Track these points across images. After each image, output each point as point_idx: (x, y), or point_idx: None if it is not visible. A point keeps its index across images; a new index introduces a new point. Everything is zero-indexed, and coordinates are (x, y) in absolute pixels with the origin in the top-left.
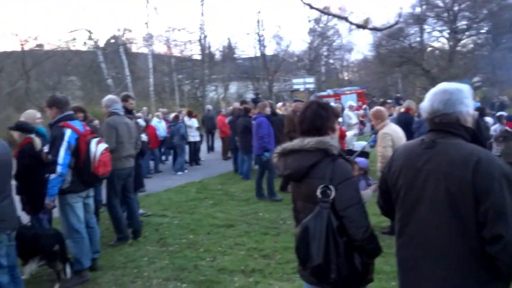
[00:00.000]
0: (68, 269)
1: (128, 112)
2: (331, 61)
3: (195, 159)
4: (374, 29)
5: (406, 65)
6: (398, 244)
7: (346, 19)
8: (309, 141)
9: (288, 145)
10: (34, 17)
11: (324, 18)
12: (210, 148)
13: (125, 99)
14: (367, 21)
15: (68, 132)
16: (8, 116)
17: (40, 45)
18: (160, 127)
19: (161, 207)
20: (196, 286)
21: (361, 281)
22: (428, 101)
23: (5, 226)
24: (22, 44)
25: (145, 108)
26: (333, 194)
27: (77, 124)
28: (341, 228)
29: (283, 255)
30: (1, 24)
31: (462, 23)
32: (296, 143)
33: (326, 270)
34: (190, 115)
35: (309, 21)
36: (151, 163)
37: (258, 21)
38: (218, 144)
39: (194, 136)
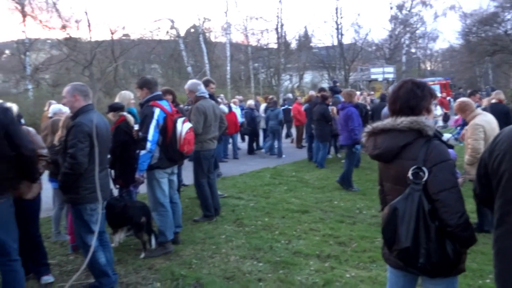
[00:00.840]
0: (153, 240)
1: (209, 97)
2: (412, 50)
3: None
4: None
5: (499, 54)
6: (497, 234)
7: None
8: (402, 121)
9: (379, 124)
10: (122, 7)
11: (408, 4)
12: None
13: (206, 83)
14: None
15: (157, 111)
16: (99, 100)
17: (127, 35)
18: (237, 113)
19: (237, 190)
20: (272, 266)
21: (452, 270)
22: None
23: (103, 195)
24: (112, 33)
25: (222, 95)
26: (426, 176)
27: (165, 104)
28: (433, 212)
29: (359, 243)
30: (93, 15)
31: None
32: (388, 122)
33: (414, 254)
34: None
35: (391, 7)
36: (229, 148)
37: (336, 9)
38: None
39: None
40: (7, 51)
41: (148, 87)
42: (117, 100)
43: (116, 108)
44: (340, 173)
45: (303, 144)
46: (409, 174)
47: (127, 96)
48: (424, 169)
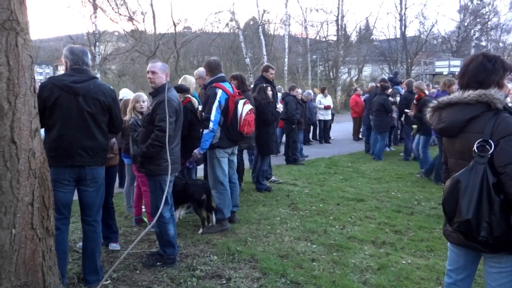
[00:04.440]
0: (214, 217)
1: (269, 82)
2: (483, 43)
3: (325, 137)
4: None
5: None
6: None
7: None
8: (469, 94)
9: (445, 98)
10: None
11: None
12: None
13: (265, 69)
14: None
15: (219, 92)
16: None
17: (189, 27)
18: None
19: (291, 177)
20: (326, 248)
21: None
22: None
23: (176, 168)
24: (174, 25)
25: (279, 86)
26: (492, 149)
27: (228, 86)
28: (498, 185)
29: (417, 233)
30: (158, 8)
31: None
32: (455, 95)
33: (476, 227)
34: (323, 92)
35: None
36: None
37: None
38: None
39: (323, 114)
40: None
41: (208, 69)
42: (181, 82)
43: (183, 89)
44: (398, 165)
45: (360, 136)
46: (475, 147)
47: (190, 80)
48: (491, 141)
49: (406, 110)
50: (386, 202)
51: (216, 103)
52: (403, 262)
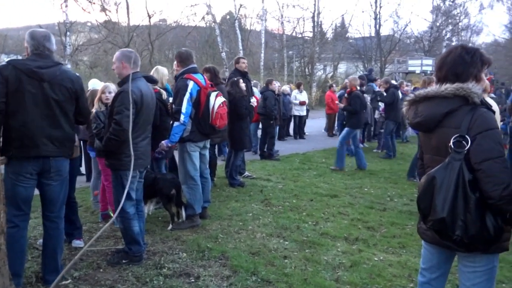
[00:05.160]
0: (183, 213)
1: (243, 74)
2: (454, 43)
3: (299, 132)
4: None
5: None
6: None
7: None
8: (447, 87)
9: (421, 91)
10: None
11: None
12: None
13: (237, 61)
14: None
15: (191, 84)
16: None
17: (164, 20)
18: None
19: (265, 172)
20: (298, 245)
21: (491, 246)
22: None
23: (141, 163)
24: (149, 17)
25: (255, 81)
26: (468, 145)
27: (200, 77)
28: (474, 182)
29: (389, 229)
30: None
31: None
32: (431, 89)
33: (451, 226)
34: (299, 87)
35: None
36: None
37: None
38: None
39: (298, 110)
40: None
41: (179, 60)
42: (152, 73)
43: (151, 80)
44: (371, 161)
45: (334, 133)
46: (451, 142)
47: (161, 71)
48: (467, 137)
49: (336, 102)
50: (359, 198)
51: (187, 95)
52: (376, 259)
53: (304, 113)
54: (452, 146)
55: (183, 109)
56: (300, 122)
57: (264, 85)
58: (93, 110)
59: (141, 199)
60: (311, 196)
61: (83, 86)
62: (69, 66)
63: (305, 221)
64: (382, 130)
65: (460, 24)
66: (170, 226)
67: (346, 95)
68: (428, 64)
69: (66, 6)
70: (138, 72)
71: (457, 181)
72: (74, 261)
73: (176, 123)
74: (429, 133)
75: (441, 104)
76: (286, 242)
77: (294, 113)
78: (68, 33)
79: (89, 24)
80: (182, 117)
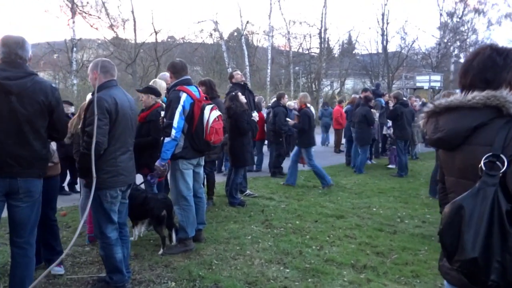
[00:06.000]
0: (174, 236)
1: (243, 87)
2: (461, 60)
3: None
4: None
5: None
6: None
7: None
8: (474, 96)
9: (442, 101)
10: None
11: (460, 11)
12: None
13: (230, 76)
14: None
15: (183, 96)
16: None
17: (172, 37)
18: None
19: (268, 190)
20: (300, 273)
21: None
22: None
23: (122, 180)
24: (156, 33)
25: (260, 96)
26: (505, 167)
27: (193, 90)
28: None
29: (400, 255)
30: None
31: None
32: (455, 98)
33: (484, 269)
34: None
35: (441, 14)
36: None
37: (382, 15)
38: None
39: None
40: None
41: (172, 71)
42: (152, 83)
43: (156, 92)
44: (379, 179)
45: (341, 149)
46: (482, 163)
47: (161, 84)
48: (503, 157)
49: (288, 119)
50: (367, 219)
51: (179, 108)
52: None
53: None
54: (484, 168)
55: (175, 123)
56: None
57: (275, 99)
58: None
59: (125, 222)
60: (316, 217)
61: (59, 98)
62: (75, 81)
63: (309, 245)
64: (394, 147)
65: (468, 40)
66: (161, 251)
67: (296, 112)
68: (436, 80)
69: (74, 22)
70: (113, 80)
71: (492, 212)
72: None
73: (167, 139)
74: (452, 151)
75: (468, 116)
76: (287, 270)
77: None
78: (74, 49)
79: (99, 41)
80: (173, 132)
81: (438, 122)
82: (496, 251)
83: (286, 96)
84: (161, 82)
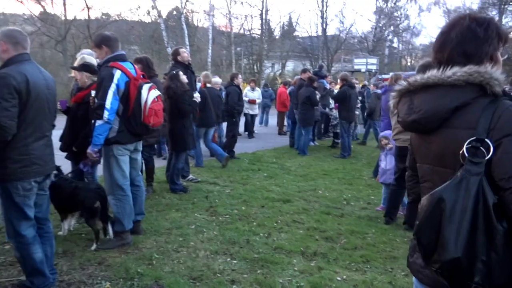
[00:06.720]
0: (110, 229)
1: (186, 67)
2: (395, 44)
3: (249, 131)
4: None
5: None
6: None
7: None
8: (455, 72)
9: (418, 78)
10: None
11: None
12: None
13: (175, 53)
14: None
15: (117, 74)
16: (70, 78)
17: (107, 14)
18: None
19: (212, 175)
20: (249, 264)
21: None
22: None
23: (36, 170)
24: (88, 9)
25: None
26: (490, 153)
27: (129, 66)
28: (500, 208)
29: (349, 239)
30: None
31: None
32: (432, 74)
33: (467, 270)
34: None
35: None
36: None
37: None
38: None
39: (248, 108)
40: None
41: (107, 44)
42: (77, 62)
43: (92, 69)
44: (323, 160)
45: (284, 131)
46: (464, 149)
47: (92, 61)
48: (488, 141)
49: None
50: (313, 203)
51: (113, 87)
52: (338, 278)
53: (256, 111)
54: (466, 155)
55: (107, 104)
56: (252, 120)
57: (229, 79)
58: None
59: (46, 217)
60: (262, 202)
61: None
62: None
63: (256, 232)
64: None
65: (401, 25)
66: (94, 246)
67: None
68: (372, 63)
69: None
70: (25, 54)
71: (476, 205)
72: None
73: (98, 122)
74: (428, 135)
75: (448, 95)
76: (234, 261)
77: (245, 111)
78: None
79: (24, 16)
80: (106, 114)
81: (412, 102)
82: (480, 250)
83: (240, 76)
84: (91, 58)
